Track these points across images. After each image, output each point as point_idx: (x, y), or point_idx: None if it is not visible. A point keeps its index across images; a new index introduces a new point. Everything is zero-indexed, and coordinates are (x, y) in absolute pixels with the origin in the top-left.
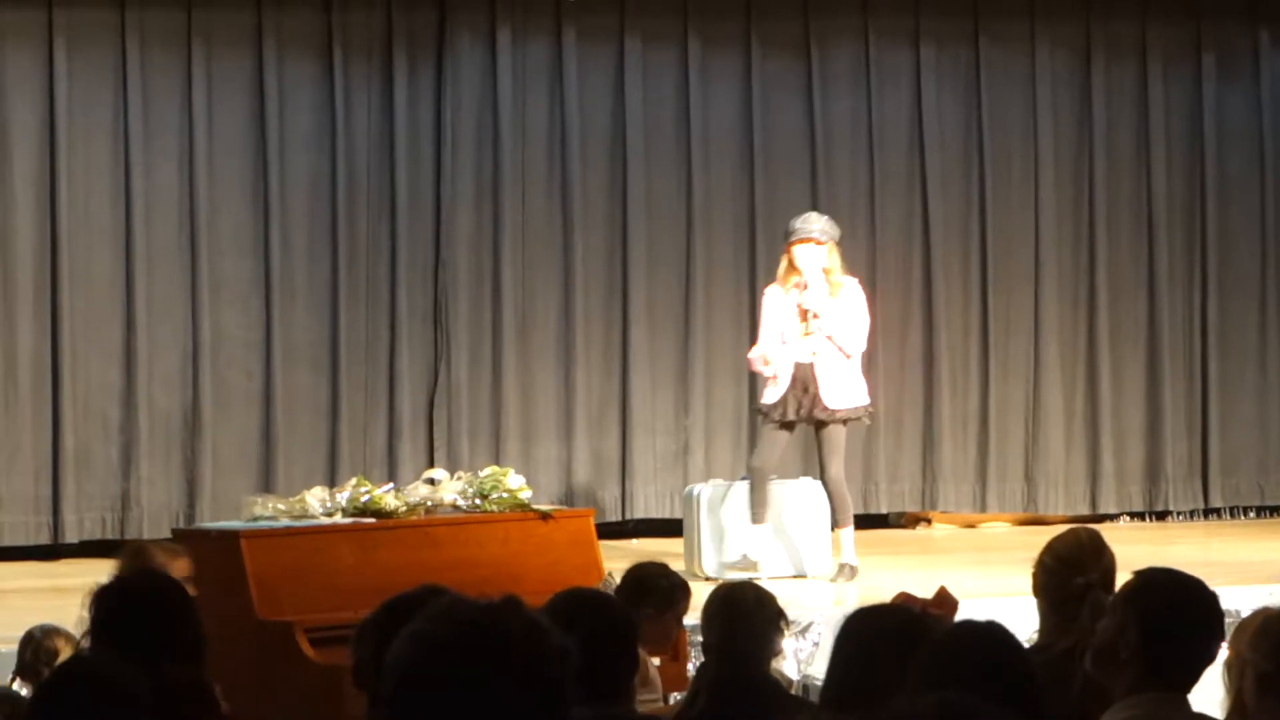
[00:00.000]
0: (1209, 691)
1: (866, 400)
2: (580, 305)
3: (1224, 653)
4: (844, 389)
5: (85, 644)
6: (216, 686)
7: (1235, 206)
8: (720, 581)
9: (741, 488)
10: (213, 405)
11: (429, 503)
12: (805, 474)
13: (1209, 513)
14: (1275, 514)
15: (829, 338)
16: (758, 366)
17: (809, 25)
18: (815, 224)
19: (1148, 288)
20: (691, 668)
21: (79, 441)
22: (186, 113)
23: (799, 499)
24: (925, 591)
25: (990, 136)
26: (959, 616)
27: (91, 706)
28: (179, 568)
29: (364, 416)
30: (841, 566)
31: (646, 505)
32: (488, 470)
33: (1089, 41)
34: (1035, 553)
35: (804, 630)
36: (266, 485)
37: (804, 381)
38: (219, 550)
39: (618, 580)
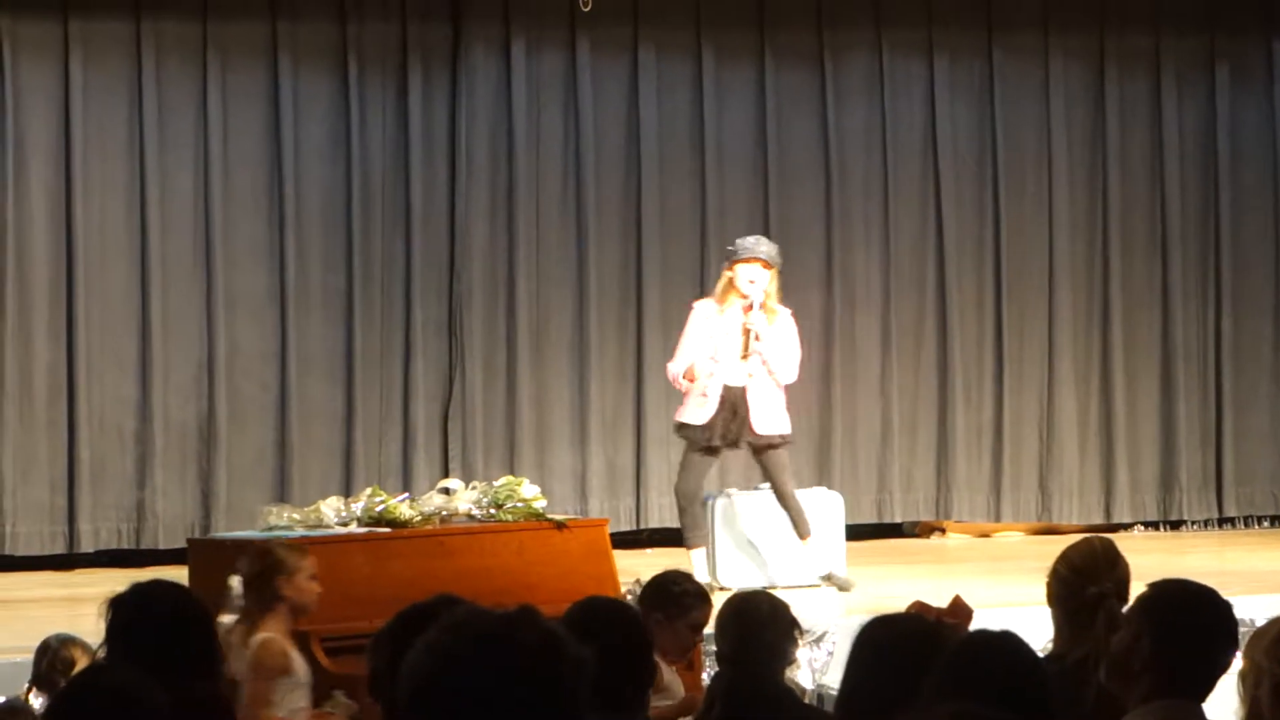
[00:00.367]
0: (1223, 701)
1: (789, 429)
2: (594, 315)
3: (1238, 662)
4: (772, 415)
5: (102, 654)
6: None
7: (1249, 218)
8: (734, 591)
9: (757, 497)
10: (228, 416)
11: (444, 512)
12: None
13: (1223, 522)
14: None
15: (764, 362)
16: (690, 379)
17: (823, 37)
18: (765, 247)
19: (1161, 299)
20: (706, 677)
21: (94, 452)
22: (201, 124)
23: (813, 507)
24: (940, 601)
25: (1004, 148)
26: (973, 626)
27: (108, 718)
28: (307, 566)
29: (379, 426)
30: (831, 576)
31: (661, 515)
32: (502, 480)
33: (1102, 54)
34: (1049, 562)
35: (819, 640)
36: (282, 495)
37: (733, 404)
38: (234, 560)
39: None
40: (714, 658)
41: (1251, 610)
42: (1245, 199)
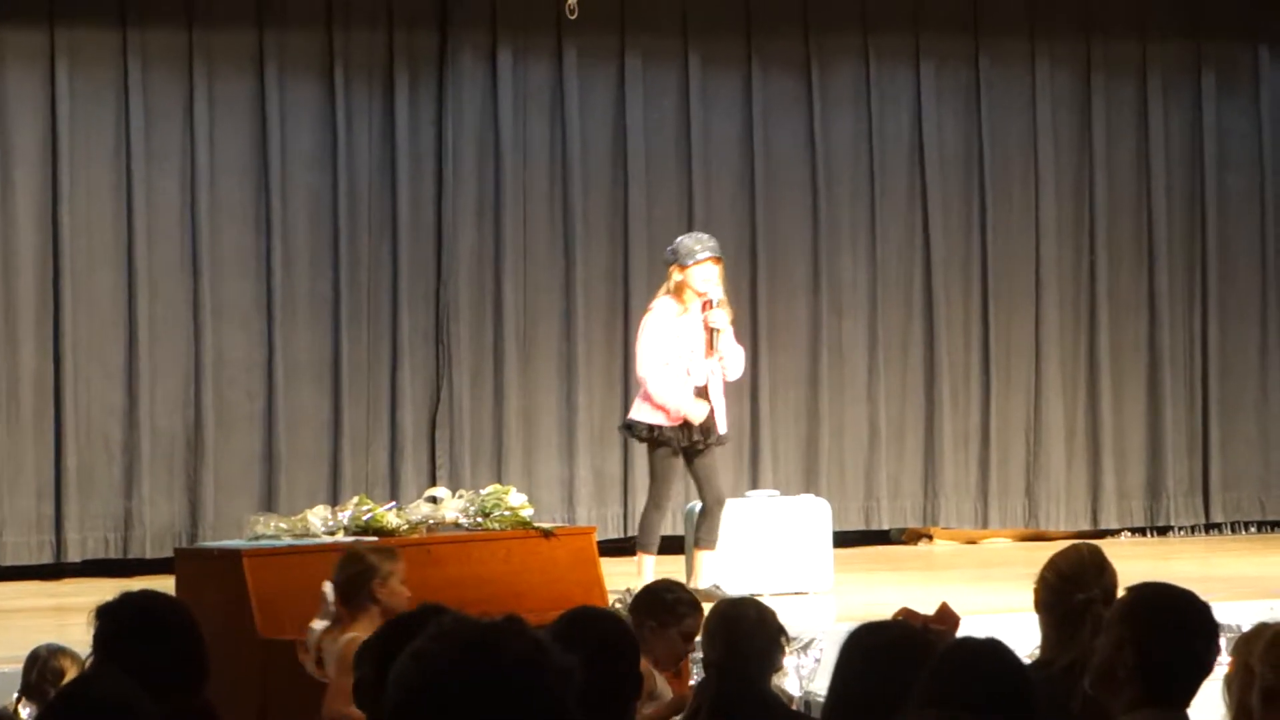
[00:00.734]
0: (1209, 707)
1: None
2: (581, 323)
3: (1224, 668)
4: (724, 413)
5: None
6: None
7: (1235, 224)
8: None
9: (743, 503)
10: (215, 425)
11: (431, 521)
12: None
13: (1210, 528)
14: (1276, 529)
15: (721, 359)
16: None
17: (809, 44)
18: (714, 244)
19: (1148, 305)
20: (693, 684)
21: (81, 461)
22: (188, 133)
23: (800, 515)
24: (927, 608)
25: (990, 155)
26: (960, 633)
27: None
28: (399, 569)
29: (366, 435)
30: (715, 590)
31: None
32: (489, 488)
33: (1089, 60)
34: (1037, 569)
35: (806, 647)
36: (269, 504)
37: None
38: (221, 569)
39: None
40: (701, 665)
41: (1238, 616)
42: (1231, 205)
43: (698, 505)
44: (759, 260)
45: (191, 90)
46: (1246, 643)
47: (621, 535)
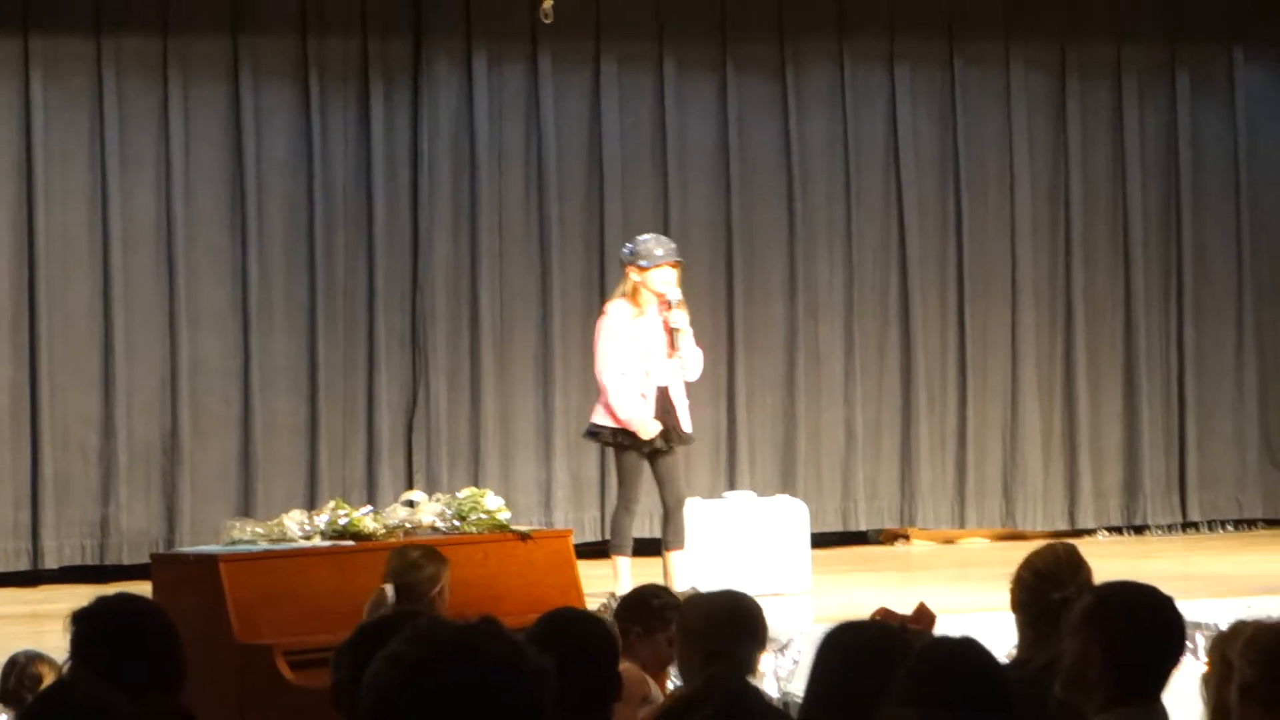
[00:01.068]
0: (1187, 703)
1: None
2: (558, 327)
3: (1202, 665)
4: (687, 412)
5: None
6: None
7: (1211, 225)
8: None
9: (720, 504)
10: (191, 431)
11: (408, 525)
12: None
13: (1187, 526)
14: (1253, 527)
15: (681, 359)
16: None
17: (784, 47)
18: (673, 245)
19: (1124, 306)
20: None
21: (58, 468)
22: (163, 140)
23: (778, 517)
24: (905, 608)
25: (966, 157)
26: (937, 632)
27: None
28: (443, 573)
29: (342, 440)
30: (692, 591)
31: None
32: (466, 492)
33: (1064, 62)
34: (1014, 568)
35: (783, 648)
36: (246, 509)
37: (664, 406)
38: (198, 574)
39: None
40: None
41: (1215, 614)
42: (1207, 206)
43: None
44: (735, 264)
45: (166, 97)
46: (1224, 641)
47: (598, 538)
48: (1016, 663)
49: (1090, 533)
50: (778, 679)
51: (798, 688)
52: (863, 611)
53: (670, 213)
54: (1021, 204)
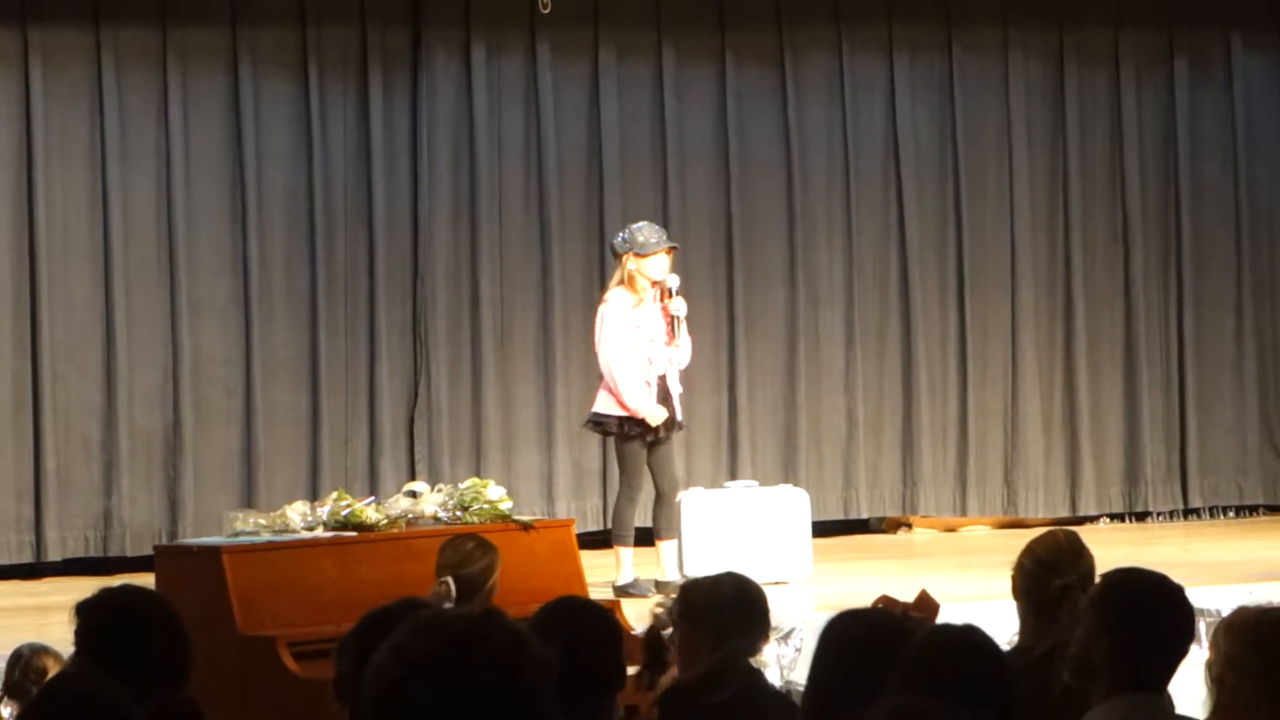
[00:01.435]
0: (1190, 691)
1: None
2: (559, 316)
3: (1205, 652)
4: (679, 400)
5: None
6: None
7: (1209, 211)
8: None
9: (722, 493)
10: (194, 422)
11: (410, 515)
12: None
13: (1188, 513)
14: (1254, 513)
15: (678, 346)
16: (645, 402)
17: (783, 36)
18: (665, 232)
19: (1124, 293)
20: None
21: (60, 461)
22: (163, 131)
23: (779, 505)
24: (907, 595)
25: (964, 144)
26: (940, 619)
27: None
28: (497, 564)
29: (345, 430)
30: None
31: None
32: (468, 482)
33: (1062, 48)
34: (1015, 556)
35: (786, 636)
36: (248, 501)
37: (664, 394)
38: (201, 566)
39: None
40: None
41: (1217, 600)
42: (1205, 192)
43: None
44: (735, 252)
45: (166, 89)
46: (1228, 628)
47: (600, 528)
48: (1018, 650)
49: (1092, 519)
50: (780, 667)
51: (800, 676)
52: (864, 600)
53: (670, 201)
54: (1020, 191)
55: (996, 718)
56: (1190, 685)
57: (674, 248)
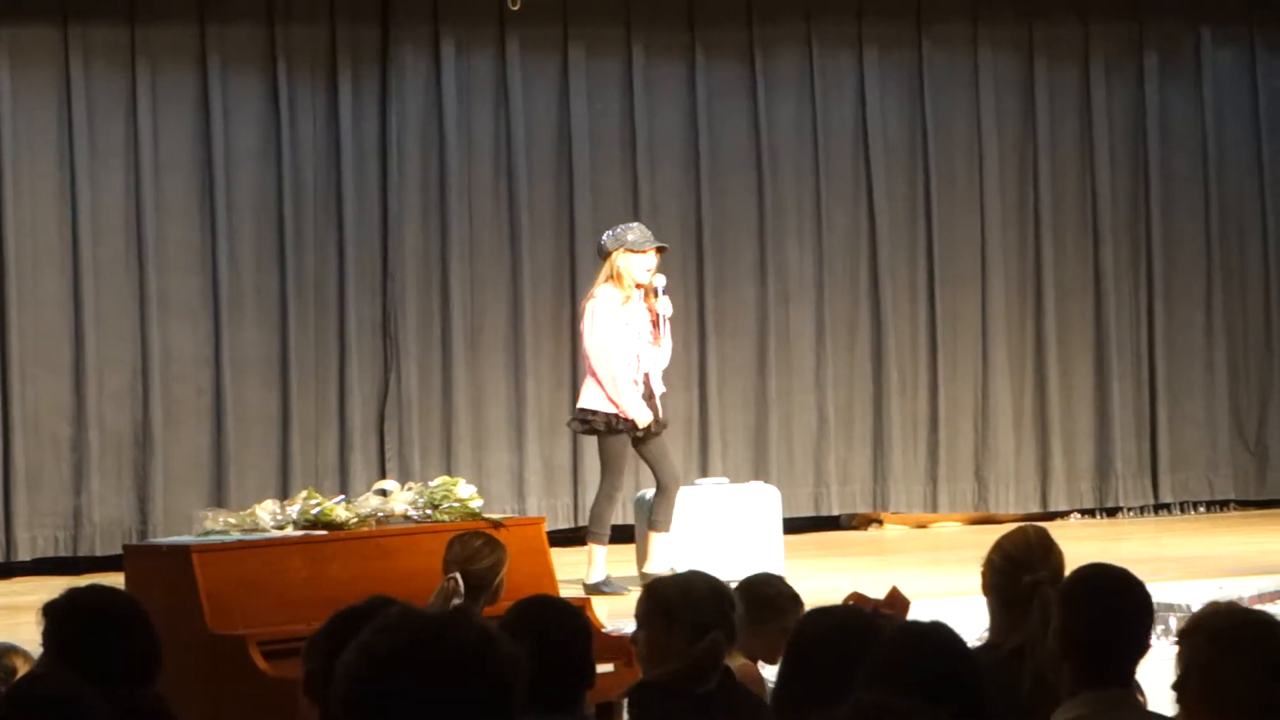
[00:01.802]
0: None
1: None
2: (529, 314)
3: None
4: (661, 399)
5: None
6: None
7: (1179, 205)
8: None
9: (693, 490)
10: (163, 421)
11: (380, 514)
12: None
13: (1159, 508)
14: (1225, 508)
15: (661, 345)
16: (634, 402)
17: (752, 32)
18: (649, 231)
19: (1094, 287)
20: None
21: (30, 460)
22: (131, 129)
23: (750, 502)
24: (878, 592)
25: (934, 139)
26: (911, 616)
27: None
28: (504, 561)
29: (315, 429)
30: (671, 573)
31: None
32: (438, 480)
33: (1031, 43)
34: (986, 552)
35: None
36: (218, 499)
37: (647, 392)
38: (170, 565)
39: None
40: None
41: (1188, 595)
42: (1175, 186)
43: (648, 492)
44: (705, 248)
45: (134, 87)
46: (1195, 628)
47: (571, 525)
48: (988, 646)
49: (1063, 515)
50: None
51: (770, 673)
52: (835, 596)
53: (640, 198)
54: (990, 185)
55: (964, 714)
56: (1163, 681)
57: (663, 248)
